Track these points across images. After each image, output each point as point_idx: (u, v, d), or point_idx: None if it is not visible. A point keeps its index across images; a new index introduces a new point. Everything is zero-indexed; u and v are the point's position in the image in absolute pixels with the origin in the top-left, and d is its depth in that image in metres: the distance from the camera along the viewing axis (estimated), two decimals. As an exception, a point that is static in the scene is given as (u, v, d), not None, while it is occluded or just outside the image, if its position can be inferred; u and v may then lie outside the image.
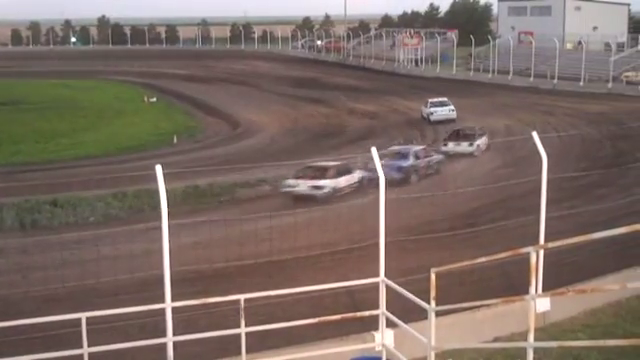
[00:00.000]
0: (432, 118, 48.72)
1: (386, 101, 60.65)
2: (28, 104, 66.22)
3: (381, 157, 11.27)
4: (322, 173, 29.10)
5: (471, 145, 36.25)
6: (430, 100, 50.20)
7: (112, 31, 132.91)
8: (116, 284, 17.38)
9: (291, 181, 28.95)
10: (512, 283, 12.85)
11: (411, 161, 31.64)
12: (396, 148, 34.21)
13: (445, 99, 50.38)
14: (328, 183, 28.52)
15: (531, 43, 69.65)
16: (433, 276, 9.61)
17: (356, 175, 29.52)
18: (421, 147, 34.69)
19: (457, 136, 37.59)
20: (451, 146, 36.23)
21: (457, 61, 77.96)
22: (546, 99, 56.56)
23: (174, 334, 9.91)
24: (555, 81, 63.33)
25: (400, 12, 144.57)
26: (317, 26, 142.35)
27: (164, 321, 9.90)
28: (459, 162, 34.63)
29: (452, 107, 49.14)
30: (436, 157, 33.48)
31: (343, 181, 29.01)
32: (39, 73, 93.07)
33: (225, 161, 36.18)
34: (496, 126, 45.14)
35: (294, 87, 73.38)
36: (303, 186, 28.26)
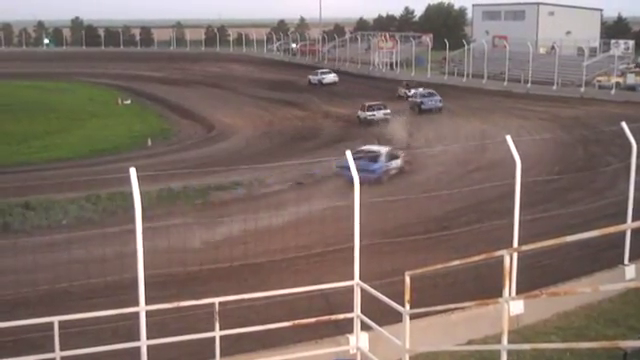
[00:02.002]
0: (423, 107, 54.61)
1: (361, 104, 60.69)
2: (0, 106, 65.53)
3: (355, 159, 11.29)
4: (375, 157, 31.91)
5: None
6: (419, 91, 57.94)
7: (86, 33, 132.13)
8: (89, 287, 17.25)
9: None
10: (486, 286, 12.90)
11: (384, 162, 32.38)
12: (366, 148, 34.11)
13: (433, 91, 57.10)
14: (380, 166, 31.40)
15: (505, 47, 70.12)
16: (407, 279, 9.63)
17: (399, 160, 33.26)
18: (389, 148, 34.65)
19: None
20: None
21: (432, 65, 78.40)
22: (520, 103, 57.01)
23: (148, 338, 9.85)
24: (529, 85, 63.83)
25: (375, 15, 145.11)
26: (292, 29, 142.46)
27: (137, 325, 9.84)
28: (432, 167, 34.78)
29: (439, 98, 55.43)
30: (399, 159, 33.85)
31: (392, 164, 32.58)
32: (11, 74, 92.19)
33: (199, 164, 36.04)
34: (471, 129, 45.41)
35: (269, 90, 73.32)
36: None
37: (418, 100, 55.62)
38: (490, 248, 9.23)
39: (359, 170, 11.15)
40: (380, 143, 39.56)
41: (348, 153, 11.33)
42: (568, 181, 29.84)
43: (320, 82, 76.00)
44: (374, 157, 32.04)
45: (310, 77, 78.03)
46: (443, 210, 25.67)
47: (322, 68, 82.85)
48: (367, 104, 52.36)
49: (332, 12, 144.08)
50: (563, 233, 7.40)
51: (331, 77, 76.51)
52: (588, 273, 14.44)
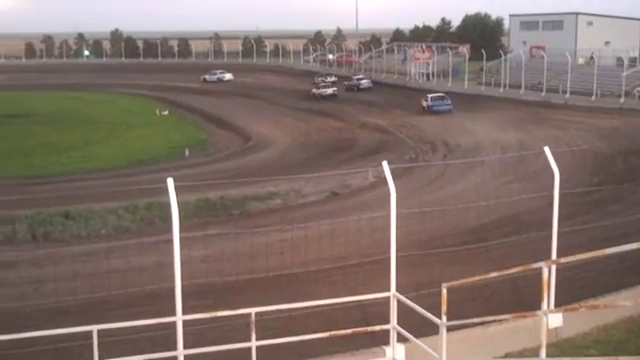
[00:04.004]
0: (434, 110, 61.26)
1: (397, 115, 60.71)
2: (41, 117, 66.57)
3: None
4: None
5: None
6: (430, 95, 63.90)
7: (125, 44, 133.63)
8: (127, 297, 17.39)
9: None
10: (524, 298, 12.78)
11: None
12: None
13: (444, 94, 64.82)
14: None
15: (543, 57, 69.52)
16: (444, 291, 9.58)
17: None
18: None
19: None
20: None
21: (469, 75, 77.96)
22: (558, 114, 56.44)
23: (185, 347, 9.90)
24: (567, 96, 63.19)
25: (412, 26, 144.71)
26: (329, 40, 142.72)
27: (174, 334, 9.90)
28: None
29: (449, 102, 62.41)
30: None
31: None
32: (52, 86, 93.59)
33: (236, 174, 36.25)
34: (508, 140, 45.13)
35: (306, 100, 73.52)
36: None
37: (430, 103, 62.38)
38: (528, 260, 9.16)
39: None
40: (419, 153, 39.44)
41: (384, 164, 11.31)
42: (607, 193, 29.48)
43: (357, 87, 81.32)
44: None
45: (345, 83, 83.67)
46: (480, 221, 25.48)
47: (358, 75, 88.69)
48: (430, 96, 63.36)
49: (369, 23, 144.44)
50: (602, 245, 7.33)
51: (366, 83, 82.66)
52: (628, 286, 14.25)
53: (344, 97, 75.11)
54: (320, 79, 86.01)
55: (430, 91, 70.92)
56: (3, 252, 23.72)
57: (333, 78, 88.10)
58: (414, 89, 78.13)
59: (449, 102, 62.57)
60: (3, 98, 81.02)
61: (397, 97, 72.23)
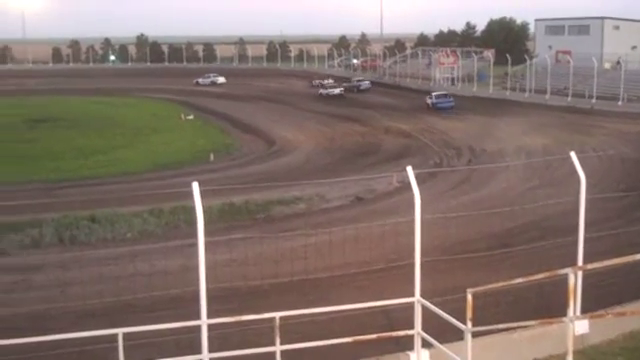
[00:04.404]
0: (437, 107, 66.70)
1: (422, 120, 60.60)
2: (67, 121, 67.11)
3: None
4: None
5: None
6: (434, 94, 70.13)
7: (150, 49, 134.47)
8: (152, 300, 17.49)
9: None
10: (550, 305, 12.70)
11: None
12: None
13: (446, 92, 71.92)
14: None
15: (569, 62, 69.09)
16: (469, 297, 9.55)
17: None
18: None
19: None
20: None
21: (494, 80, 77.59)
22: (584, 119, 56.06)
23: (209, 351, 9.94)
24: (593, 101, 62.71)
25: (436, 31, 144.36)
26: (353, 45, 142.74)
27: (199, 338, 9.94)
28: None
29: (451, 99, 68.37)
30: None
31: None
32: (79, 90, 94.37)
33: (261, 179, 36.33)
34: (533, 145, 44.88)
35: (330, 105, 73.57)
36: None
37: (434, 101, 67.99)
38: (554, 266, 9.11)
39: None
40: (444, 158, 39.32)
41: (409, 169, 11.29)
42: (634, 199, 29.21)
43: (357, 88, 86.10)
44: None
45: (345, 84, 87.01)
46: (505, 227, 25.35)
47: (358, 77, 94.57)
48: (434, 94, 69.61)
49: (393, 28, 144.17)
50: (629, 252, 7.27)
51: (366, 84, 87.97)
52: (655, 293, 14.12)
53: (369, 102, 75.01)
54: (318, 81, 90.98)
55: (455, 96, 70.83)
56: (30, 255, 23.96)
57: (330, 80, 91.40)
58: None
59: (451, 99, 68.18)
60: (31, 103, 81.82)
61: (422, 102, 72.06)
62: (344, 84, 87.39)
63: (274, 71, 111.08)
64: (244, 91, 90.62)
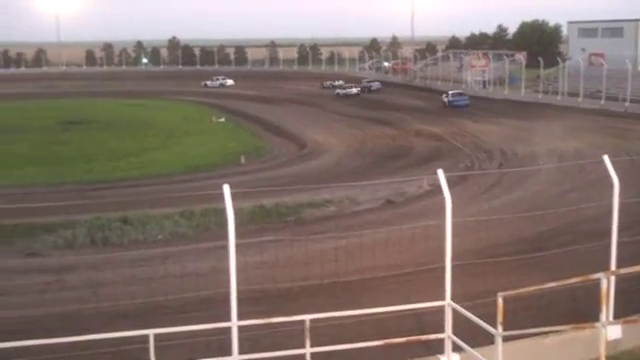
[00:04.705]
0: (453, 104, 70.91)
1: (453, 123, 60.35)
2: (100, 123, 67.78)
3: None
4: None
5: None
6: (450, 92, 74.67)
7: (182, 52, 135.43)
8: (183, 301, 17.58)
9: None
10: (582, 309, 12.59)
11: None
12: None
13: (462, 91, 76.41)
14: None
15: (602, 65, 68.45)
16: (500, 300, 9.50)
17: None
18: None
19: None
20: None
21: (525, 83, 77.10)
22: (618, 122, 55.49)
23: (239, 353, 9.98)
24: (627, 104, 62.07)
25: (468, 34, 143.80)
26: (384, 47, 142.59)
27: (229, 339, 9.98)
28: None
29: (466, 97, 72.77)
30: None
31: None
32: (112, 93, 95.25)
33: (292, 181, 36.41)
34: (566, 149, 44.50)
35: (361, 108, 73.55)
36: None
37: (450, 99, 72.35)
38: (586, 270, 9.04)
39: None
40: (475, 161, 39.09)
41: (440, 172, 11.26)
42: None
43: (369, 89, 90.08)
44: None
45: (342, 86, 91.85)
46: (537, 230, 25.15)
47: (367, 77, 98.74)
48: (450, 92, 74.36)
49: (424, 30, 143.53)
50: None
51: (376, 85, 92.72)
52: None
53: (399, 105, 74.85)
54: (329, 83, 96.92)
55: (488, 99, 70.55)
56: (63, 256, 24.19)
57: (341, 82, 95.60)
58: (470, 97, 77.54)
59: (466, 98, 72.94)
60: (65, 105, 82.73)
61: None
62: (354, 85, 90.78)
63: (305, 74, 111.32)
64: (275, 94, 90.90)
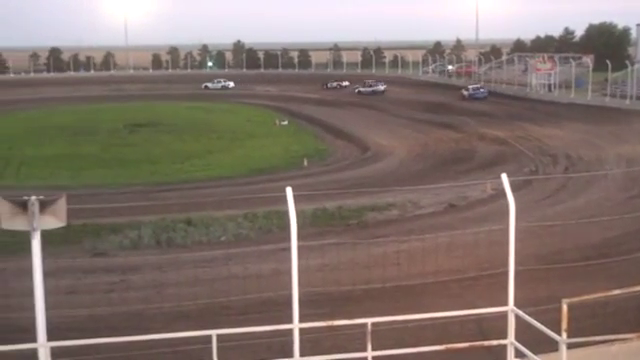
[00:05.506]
0: (474, 97, 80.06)
1: (517, 127, 59.60)
2: (165, 126, 68.72)
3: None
4: None
5: None
6: (471, 86, 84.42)
7: (246, 55, 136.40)
8: (245, 303, 17.76)
9: None
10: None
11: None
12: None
13: (480, 85, 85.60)
14: None
15: (672, 68, 66.83)
16: (565, 307, 9.36)
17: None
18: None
19: None
20: None
21: (592, 86, 75.63)
22: (689, 126, 54.11)
23: (301, 355, 10.03)
24: (698, 108, 60.51)
25: (533, 36, 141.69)
26: (448, 51, 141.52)
27: (291, 341, 10.04)
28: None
29: (485, 89, 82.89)
30: None
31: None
32: (177, 96, 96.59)
33: (354, 184, 36.45)
34: (634, 154, 43.60)
35: (424, 112, 73.21)
36: None
37: (471, 92, 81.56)
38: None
39: None
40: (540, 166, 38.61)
41: (504, 176, 11.15)
42: None
43: (374, 92, 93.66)
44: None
45: (357, 86, 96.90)
46: (603, 237, 24.74)
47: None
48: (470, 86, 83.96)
49: (489, 33, 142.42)
50: None
51: (380, 87, 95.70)
52: None
53: (463, 110, 74.25)
54: (336, 83, 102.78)
55: (553, 103, 69.66)
56: (129, 256, 24.63)
57: (346, 83, 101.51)
58: (534, 100, 76.53)
59: (485, 90, 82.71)
60: (132, 108, 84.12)
61: (517, 109, 71.00)
62: (356, 86, 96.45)
63: (368, 77, 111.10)
64: (338, 97, 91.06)
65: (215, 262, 22.80)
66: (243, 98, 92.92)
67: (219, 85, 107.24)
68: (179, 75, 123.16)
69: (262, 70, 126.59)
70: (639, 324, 12.13)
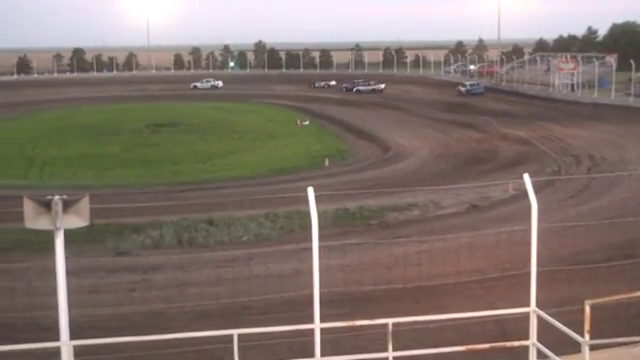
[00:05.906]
0: (471, 92, 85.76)
1: (540, 127, 59.30)
2: (187, 126, 68.97)
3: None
4: None
5: None
6: (467, 82, 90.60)
7: (268, 56, 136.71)
8: (267, 302, 17.81)
9: None
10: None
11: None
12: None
13: (477, 82, 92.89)
14: None
15: (697, 67, 66.21)
16: (587, 308, 9.31)
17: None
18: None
19: None
20: None
21: (616, 86, 75.12)
22: None
23: (322, 355, 10.04)
24: None
25: (556, 36, 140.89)
26: (470, 50, 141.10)
27: (312, 341, 10.05)
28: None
29: (481, 85, 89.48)
30: None
31: None
32: (199, 96, 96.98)
33: (375, 184, 36.40)
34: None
35: (445, 112, 73.02)
36: None
37: (468, 88, 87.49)
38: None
39: None
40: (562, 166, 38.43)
41: (526, 176, 11.10)
42: None
43: (374, 90, 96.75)
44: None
45: (345, 85, 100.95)
46: (626, 238, 24.54)
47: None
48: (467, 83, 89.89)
49: (511, 33, 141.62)
50: None
51: (380, 85, 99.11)
52: None
53: (485, 109, 73.95)
54: (324, 83, 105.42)
55: (576, 103, 69.26)
56: (151, 256, 24.74)
57: (334, 82, 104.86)
58: (557, 100, 76.10)
59: (481, 86, 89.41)
60: (155, 108, 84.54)
61: (540, 109, 70.67)
62: (344, 85, 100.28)
63: (389, 77, 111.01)
64: (359, 97, 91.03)
65: (237, 262, 22.86)
66: (265, 98, 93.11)
67: (208, 85, 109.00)
68: (200, 75, 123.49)
69: (284, 70, 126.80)
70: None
